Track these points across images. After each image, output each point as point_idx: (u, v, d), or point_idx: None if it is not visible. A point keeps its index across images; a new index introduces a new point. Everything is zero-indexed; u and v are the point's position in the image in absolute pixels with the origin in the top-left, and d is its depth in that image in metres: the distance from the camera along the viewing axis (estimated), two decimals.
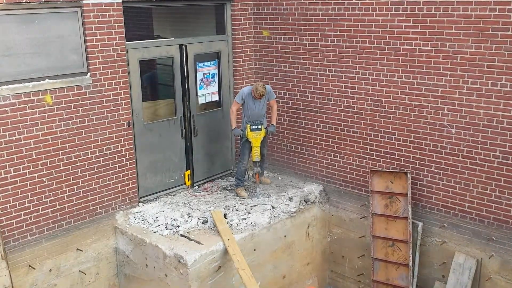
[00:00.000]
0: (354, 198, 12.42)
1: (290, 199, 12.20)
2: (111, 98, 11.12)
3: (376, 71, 11.33)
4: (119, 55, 10.96)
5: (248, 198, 12.14)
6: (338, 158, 12.46)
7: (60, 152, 10.66)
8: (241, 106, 11.81)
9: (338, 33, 11.58)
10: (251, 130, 11.76)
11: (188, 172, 12.85)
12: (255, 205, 11.86)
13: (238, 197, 12.24)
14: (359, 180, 12.13)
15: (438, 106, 10.71)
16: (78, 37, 10.33)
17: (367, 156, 11.88)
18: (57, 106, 10.48)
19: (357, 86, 11.76)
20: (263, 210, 11.72)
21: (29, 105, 10.12)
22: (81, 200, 11.17)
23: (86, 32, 10.50)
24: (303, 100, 12.59)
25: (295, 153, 13.02)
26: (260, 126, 11.77)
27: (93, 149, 11.11)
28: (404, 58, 10.91)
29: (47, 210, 10.74)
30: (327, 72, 12.01)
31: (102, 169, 11.35)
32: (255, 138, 11.80)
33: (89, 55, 10.59)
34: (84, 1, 10.38)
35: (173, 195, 12.65)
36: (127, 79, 11.17)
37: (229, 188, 12.84)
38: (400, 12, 10.67)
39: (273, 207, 11.91)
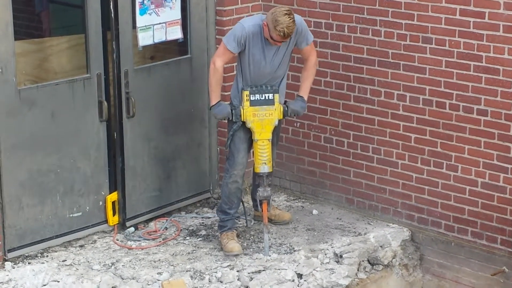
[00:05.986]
0: (480, 258, 9.36)
1: (338, 257, 9.37)
2: None
3: None
4: None
5: (243, 254, 9.24)
6: (445, 170, 9.43)
7: None
8: (234, 57, 9.08)
9: None
10: (253, 103, 9.11)
11: (114, 196, 9.89)
12: (259, 271, 8.90)
13: (222, 252, 9.32)
14: (491, 218, 9.42)
15: None
16: None
17: (510, 167, 9.09)
18: None
19: None
20: (277, 283, 8.63)
21: None
22: None
23: None
24: (368, 40, 9.73)
25: (349, 160, 10.43)
26: (271, 96, 9.08)
27: None
28: None
29: None
30: None
31: None
32: (261, 121, 9.11)
33: None
34: None
35: (81, 246, 9.48)
36: None
37: (203, 231, 9.97)
38: None
39: (300, 276, 8.78)
